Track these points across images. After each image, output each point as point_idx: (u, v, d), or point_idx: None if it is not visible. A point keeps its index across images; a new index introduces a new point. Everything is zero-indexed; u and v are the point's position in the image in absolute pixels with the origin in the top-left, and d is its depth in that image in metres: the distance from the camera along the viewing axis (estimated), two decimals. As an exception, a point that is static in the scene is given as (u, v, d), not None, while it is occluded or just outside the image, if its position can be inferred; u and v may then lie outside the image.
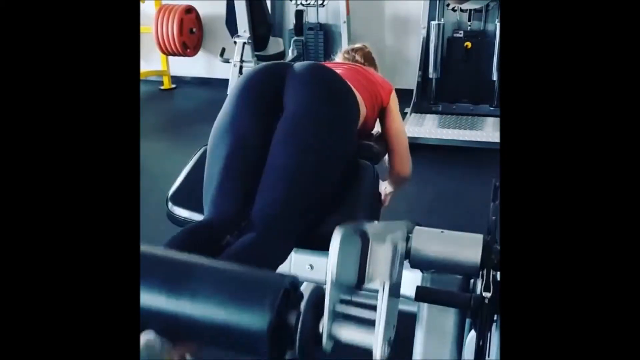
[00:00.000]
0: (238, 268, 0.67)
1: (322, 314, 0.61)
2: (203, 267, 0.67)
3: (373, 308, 0.62)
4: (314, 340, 0.61)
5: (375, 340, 0.61)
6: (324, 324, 0.61)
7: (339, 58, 1.88)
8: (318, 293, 0.63)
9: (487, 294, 0.78)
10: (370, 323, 0.62)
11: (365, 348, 0.61)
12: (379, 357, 0.60)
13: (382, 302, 0.62)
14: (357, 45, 1.89)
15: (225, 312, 0.60)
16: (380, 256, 0.62)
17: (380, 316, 0.62)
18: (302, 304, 0.61)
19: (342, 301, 0.63)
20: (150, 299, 0.62)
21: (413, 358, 0.97)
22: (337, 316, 0.63)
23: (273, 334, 0.59)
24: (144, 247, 0.65)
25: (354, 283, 0.61)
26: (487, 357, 0.82)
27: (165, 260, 0.68)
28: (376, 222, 1.15)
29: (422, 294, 0.86)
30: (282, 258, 1.09)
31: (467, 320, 0.96)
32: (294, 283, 0.63)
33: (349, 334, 0.62)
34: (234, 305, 0.61)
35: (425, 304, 0.94)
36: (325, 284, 0.61)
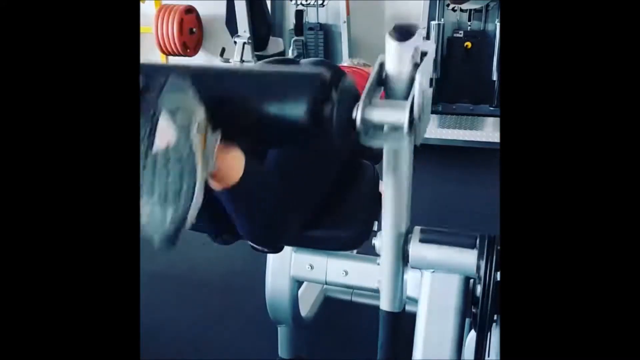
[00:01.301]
0: (272, 68, 0.86)
1: (355, 102, 0.71)
2: (238, 71, 0.80)
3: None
4: (349, 124, 0.71)
5: (404, 117, 0.69)
6: (358, 109, 0.70)
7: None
8: (349, 84, 0.74)
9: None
10: (401, 106, 0.70)
11: (395, 124, 0.70)
12: (405, 127, 0.68)
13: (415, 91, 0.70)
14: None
15: (268, 105, 0.71)
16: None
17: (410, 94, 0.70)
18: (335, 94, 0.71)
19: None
20: (202, 96, 0.69)
21: (413, 358, 0.97)
22: (369, 102, 0.71)
23: (313, 121, 0.70)
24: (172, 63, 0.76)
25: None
26: (486, 357, 0.82)
27: (209, 70, 0.79)
28: None
29: (427, 238, 0.91)
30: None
31: (467, 320, 0.96)
32: (333, 76, 0.73)
33: (380, 115, 0.71)
34: (275, 98, 0.72)
35: (426, 307, 0.95)
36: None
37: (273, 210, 0.96)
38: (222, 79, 0.76)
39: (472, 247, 0.88)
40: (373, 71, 0.73)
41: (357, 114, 0.70)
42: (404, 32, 0.72)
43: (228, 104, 0.72)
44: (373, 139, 0.72)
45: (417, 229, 0.94)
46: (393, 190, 0.88)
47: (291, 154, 1.07)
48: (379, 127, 0.72)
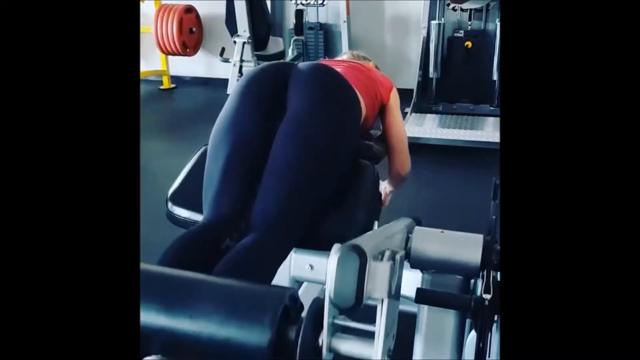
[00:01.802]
0: (237, 284, 0.68)
1: (321, 328, 0.62)
2: (202, 283, 0.67)
3: (373, 320, 0.63)
4: (314, 353, 0.62)
5: (375, 353, 0.61)
6: (323, 338, 0.62)
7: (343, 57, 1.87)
8: (317, 305, 0.63)
9: (487, 296, 0.78)
10: (369, 335, 0.63)
11: None
12: None
13: (380, 317, 0.62)
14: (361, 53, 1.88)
15: (226, 330, 0.61)
16: (379, 274, 0.61)
17: (379, 330, 0.62)
18: (302, 319, 0.62)
19: (342, 313, 0.63)
20: (150, 318, 0.62)
21: (413, 358, 0.97)
22: (336, 329, 0.63)
23: (274, 350, 0.60)
24: (143, 265, 0.65)
25: (353, 302, 0.60)
26: (487, 358, 0.82)
27: (163, 278, 0.68)
28: (375, 229, 1.13)
29: (422, 297, 0.86)
30: (282, 258, 1.08)
31: (468, 321, 0.96)
32: (294, 297, 0.64)
33: (349, 347, 0.63)
34: (234, 323, 0.61)
35: (426, 307, 0.94)
36: (325, 290, 0.62)
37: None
38: (178, 292, 0.65)
39: (467, 308, 0.82)
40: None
41: (323, 342, 0.62)
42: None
43: (181, 323, 0.62)
44: None
45: (417, 229, 0.94)
46: None
47: (295, 159, 1.10)
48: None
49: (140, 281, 0.62)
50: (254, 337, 0.60)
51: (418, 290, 0.86)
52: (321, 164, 1.10)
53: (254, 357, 0.61)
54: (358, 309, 0.60)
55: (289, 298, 0.64)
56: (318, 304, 0.64)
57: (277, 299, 0.63)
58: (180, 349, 0.63)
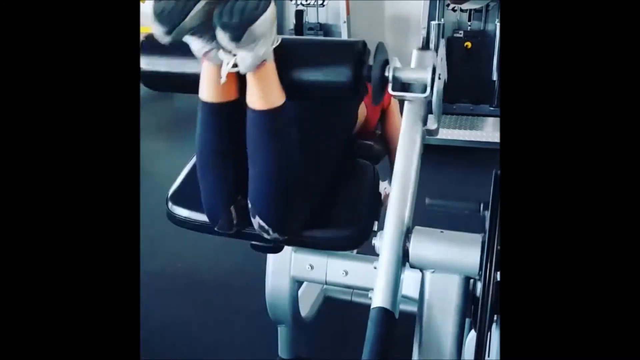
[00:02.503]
0: (319, 41, 1.17)
1: (387, 65, 0.97)
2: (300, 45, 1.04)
3: None
4: (382, 82, 0.97)
5: (428, 74, 0.96)
6: (389, 70, 0.97)
7: None
8: (382, 51, 0.98)
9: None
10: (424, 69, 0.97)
11: (421, 82, 0.97)
12: (429, 82, 0.96)
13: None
14: None
15: (323, 74, 0.96)
16: None
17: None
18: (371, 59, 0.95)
19: None
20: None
21: (413, 358, 0.97)
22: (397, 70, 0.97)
23: (355, 82, 0.93)
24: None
25: None
26: (487, 357, 0.82)
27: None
28: None
29: (433, 202, 1.04)
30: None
31: (467, 320, 0.96)
32: (364, 44, 0.97)
33: (407, 74, 0.98)
34: (325, 66, 0.96)
35: (426, 307, 0.94)
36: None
37: (291, 169, 1.01)
38: (286, 42, 0.93)
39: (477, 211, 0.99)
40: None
41: (390, 73, 0.96)
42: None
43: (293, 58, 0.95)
44: (400, 92, 0.99)
45: (417, 228, 0.94)
46: (401, 177, 0.99)
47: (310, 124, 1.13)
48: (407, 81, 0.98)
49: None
50: (341, 76, 0.94)
51: (430, 196, 1.04)
52: (308, 158, 1.09)
53: (344, 89, 0.95)
54: None
55: (362, 46, 0.96)
56: (381, 56, 0.98)
57: (353, 49, 0.96)
58: (294, 92, 0.97)
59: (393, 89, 0.97)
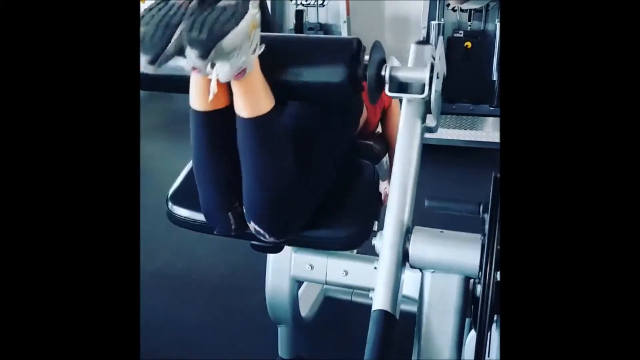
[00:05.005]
0: (312, 39, 1.09)
1: (383, 64, 0.92)
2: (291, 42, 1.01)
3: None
4: (378, 81, 0.92)
5: (426, 74, 0.91)
6: (386, 69, 0.91)
7: None
8: (378, 49, 0.93)
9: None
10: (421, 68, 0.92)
11: (419, 82, 0.91)
12: (427, 82, 0.90)
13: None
14: None
15: (315, 74, 0.91)
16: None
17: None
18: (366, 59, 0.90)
19: None
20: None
21: (413, 358, 0.97)
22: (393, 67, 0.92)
23: (349, 83, 0.89)
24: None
25: None
26: (487, 357, 0.82)
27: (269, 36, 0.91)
28: None
29: (432, 203, 1.01)
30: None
31: (467, 320, 0.96)
32: (359, 42, 0.92)
33: (405, 73, 0.92)
34: (317, 66, 0.91)
35: (426, 307, 0.94)
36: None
37: (283, 176, 0.99)
38: (271, 47, 0.88)
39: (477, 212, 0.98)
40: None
41: (386, 72, 0.90)
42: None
43: (280, 59, 0.90)
44: (398, 92, 0.93)
45: (417, 228, 0.94)
46: (400, 177, 0.97)
47: (306, 127, 1.11)
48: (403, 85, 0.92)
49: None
50: (335, 76, 0.89)
51: (429, 197, 1.02)
52: (307, 160, 1.08)
53: (338, 90, 0.90)
54: None
55: (357, 43, 0.91)
56: (378, 46, 0.94)
57: (347, 48, 0.91)
58: (286, 94, 0.94)
59: (390, 90, 0.92)
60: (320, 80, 0.90)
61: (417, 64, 0.94)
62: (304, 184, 1.05)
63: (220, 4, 0.79)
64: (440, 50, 0.97)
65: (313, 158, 1.09)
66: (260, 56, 0.87)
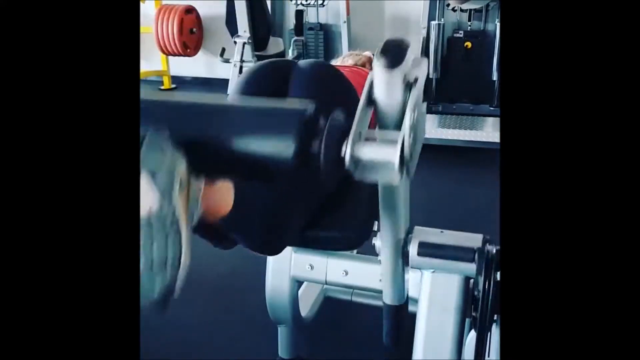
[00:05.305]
0: (261, 104, 0.73)
1: (344, 138, 0.64)
2: (229, 106, 0.75)
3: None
4: (337, 163, 0.65)
5: (394, 155, 0.63)
6: (347, 146, 0.64)
7: (347, 58, 1.87)
8: (340, 118, 0.68)
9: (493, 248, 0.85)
10: (391, 142, 0.64)
11: (385, 163, 0.64)
12: (396, 166, 0.63)
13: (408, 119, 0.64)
14: (365, 53, 1.88)
15: (255, 145, 0.67)
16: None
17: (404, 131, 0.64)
18: (325, 130, 0.66)
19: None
20: (182, 137, 0.67)
21: (413, 358, 0.97)
22: (359, 138, 0.65)
23: (300, 160, 0.65)
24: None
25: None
26: (487, 357, 0.82)
27: (190, 107, 0.73)
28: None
29: (426, 250, 0.91)
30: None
31: (467, 320, 0.96)
32: (316, 110, 0.67)
33: (371, 153, 0.64)
34: (261, 136, 0.67)
35: (426, 307, 0.95)
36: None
37: (270, 223, 0.96)
38: (203, 117, 0.71)
39: (471, 260, 0.90)
40: (363, 94, 0.67)
41: (347, 151, 0.64)
42: (394, 54, 0.65)
43: (211, 145, 0.68)
44: (364, 174, 0.66)
45: (417, 228, 0.95)
46: (389, 222, 0.89)
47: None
48: (369, 163, 0.66)
49: (161, 120, 0.67)
50: (280, 149, 0.65)
51: (420, 243, 0.91)
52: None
53: (282, 168, 0.66)
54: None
55: (313, 111, 0.66)
56: (339, 115, 0.68)
57: (300, 114, 0.67)
58: (210, 164, 0.70)
59: (354, 174, 0.66)
60: (263, 153, 0.67)
61: (389, 104, 0.67)
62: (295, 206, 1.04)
63: None
64: (419, 86, 0.68)
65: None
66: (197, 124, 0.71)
